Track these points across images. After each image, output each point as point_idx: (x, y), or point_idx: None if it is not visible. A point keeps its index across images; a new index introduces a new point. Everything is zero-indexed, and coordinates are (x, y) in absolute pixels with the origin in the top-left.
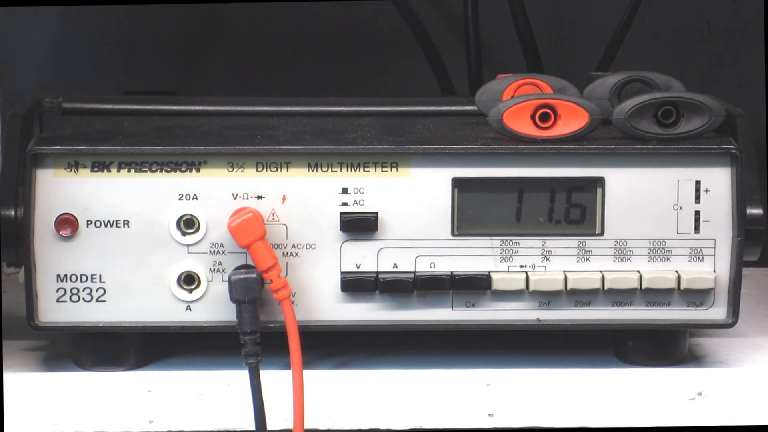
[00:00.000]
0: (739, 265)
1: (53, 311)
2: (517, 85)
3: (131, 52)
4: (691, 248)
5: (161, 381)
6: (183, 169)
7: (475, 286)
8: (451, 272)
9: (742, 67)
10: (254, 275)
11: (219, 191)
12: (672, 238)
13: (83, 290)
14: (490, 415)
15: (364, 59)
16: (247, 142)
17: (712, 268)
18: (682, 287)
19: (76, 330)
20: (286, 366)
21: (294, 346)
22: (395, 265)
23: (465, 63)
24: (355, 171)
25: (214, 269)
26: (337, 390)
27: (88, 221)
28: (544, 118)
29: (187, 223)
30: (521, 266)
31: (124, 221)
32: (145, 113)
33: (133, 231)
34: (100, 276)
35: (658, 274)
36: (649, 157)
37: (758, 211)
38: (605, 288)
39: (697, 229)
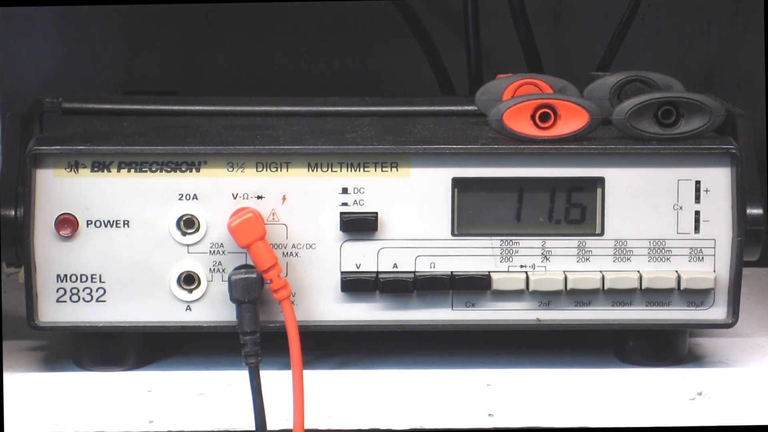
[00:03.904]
0: (739, 265)
1: (53, 311)
2: (517, 85)
3: (131, 52)
4: (691, 248)
5: (161, 381)
6: (183, 169)
7: (475, 286)
8: (451, 272)
9: (742, 67)
10: (254, 275)
11: (219, 191)
12: (672, 238)
13: (83, 290)
14: (490, 415)
15: (364, 59)
16: (247, 142)
17: (712, 268)
18: (682, 287)
19: (76, 330)
20: (286, 366)
21: (294, 346)
22: (395, 265)
23: (465, 63)
24: (355, 171)
25: (214, 269)
26: (337, 390)
27: (88, 221)
28: (544, 118)
29: (187, 223)
30: (521, 266)
31: (124, 221)
32: (145, 113)
33: (133, 231)
34: (100, 276)
35: (658, 274)
36: (649, 157)
37: (758, 211)
38: (605, 288)
39: (697, 229)
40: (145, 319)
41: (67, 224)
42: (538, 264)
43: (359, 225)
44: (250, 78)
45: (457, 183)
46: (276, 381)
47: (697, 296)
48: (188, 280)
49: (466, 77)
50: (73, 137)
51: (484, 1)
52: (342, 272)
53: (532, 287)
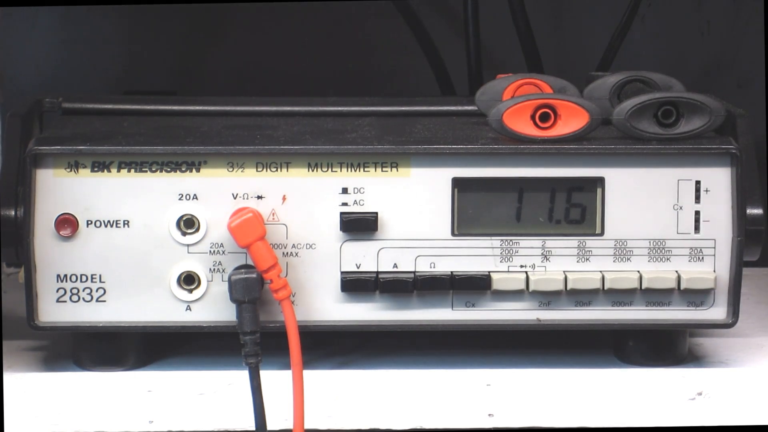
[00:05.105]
0: (739, 265)
1: (53, 311)
2: (517, 85)
3: (131, 52)
4: (691, 248)
5: (161, 381)
6: (183, 169)
7: (475, 286)
8: (451, 272)
9: (742, 67)
10: (254, 275)
11: (219, 191)
12: (672, 238)
13: (83, 290)
14: (490, 415)
15: (364, 59)
16: (247, 142)
17: (712, 268)
18: (682, 287)
19: (76, 330)
20: (286, 366)
21: (294, 346)
22: (395, 265)
23: (465, 63)
24: (355, 171)
25: (214, 269)
26: (337, 390)
27: (88, 221)
28: (544, 118)
29: (187, 223)
30: (521, 266)
31: (124, 221)
32: (145, 113)
33: (133, 231)
34: (100, 276)
35: (658, 274)
36: (649, 157)
37: (758, 211)
38: (605, 288)
39: (697, 229)
40: (145, 319)
41: (67, 224)
42: (538, 264)
43: (359, 225)
44: (250, 78)
45: (457, 183)
46: (276, 381)
47: (697, 296)
48: (188, 280)
49: (466, 77)
50: (73, 137)
51: (484, 1)
52: (342, 272)
53: (532, 287)
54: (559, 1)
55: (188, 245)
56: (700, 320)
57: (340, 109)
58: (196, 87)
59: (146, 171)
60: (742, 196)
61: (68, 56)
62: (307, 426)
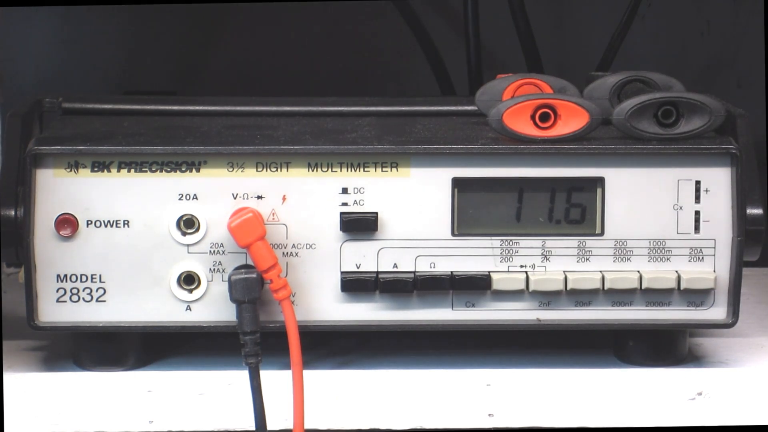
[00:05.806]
0: (739, 265)
1: (53, 311)
2: (517, 85)
3: (131, 52)
4: (691, 248)
5: (161, 381)
6: (183, 169)
7: (475, 286)
8: (451, 272)
9: (742, 67)
10: (254, 275)
11: (219, 191)
12: (672, 238)
13: (83, 290)
14: (490, 415)
15: (364, 59)
16: (247, 142)
17: (712, 268)
18: (682, 287)
19: (76, 330)
20: (286, 366)
21: (294, 346)
22: (395, 265)
23: (465, 63)
24: (355, 171)
25: (214, 269)
26: (337, 390)
27: (88, 221)
28: (544, 118)
29: (187, 223)
30: (521, 266)
31: (124, 221)
32: (145, 113)
33: (133, 231)
34: (100, 276)
35: (658, 274)
36: (649, 157)
37: (758, 211)
38: (605, 288)
39: (697, 229)
40: (145, 319)
41: (67, 224)
42: (538, 264)
43: (359, 225)
44: (250, 78)
45: (457, 183)
46: (276, 381)
47: (697, 296)
48: (188, 280)
49: (466, 77)
50: (73, 137)
51: (484, 1)
52: (342, 272)
53: (532, 287)
54: (559, 1)
55: (188, 245)
56: (700, 320)
57: (340, 109)
58: (196, 87)
59: (146, 171)
60: (742, 196)
61: (68, 56)
62: (307, 426)
